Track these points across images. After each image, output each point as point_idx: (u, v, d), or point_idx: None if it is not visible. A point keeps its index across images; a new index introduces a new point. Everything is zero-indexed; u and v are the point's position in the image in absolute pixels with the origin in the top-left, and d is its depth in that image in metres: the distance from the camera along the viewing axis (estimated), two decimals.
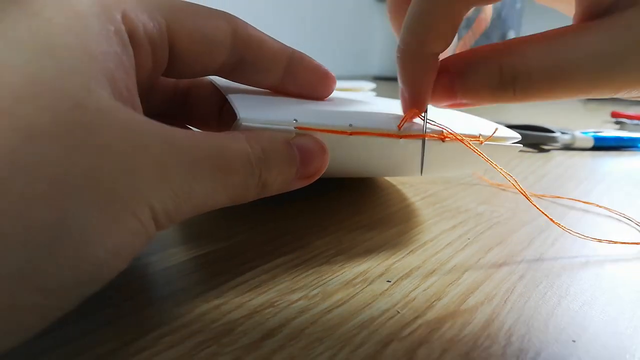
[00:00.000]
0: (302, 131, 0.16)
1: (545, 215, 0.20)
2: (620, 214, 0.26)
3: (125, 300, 0.15)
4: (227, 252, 0.20)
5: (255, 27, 0.17)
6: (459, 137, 0.19)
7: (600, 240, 0.21)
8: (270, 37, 0.17)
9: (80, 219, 0.10)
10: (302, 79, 0.18)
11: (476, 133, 0.20)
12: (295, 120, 0.16)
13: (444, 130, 0.19)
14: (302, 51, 0.18)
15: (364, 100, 0.22)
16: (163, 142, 0.12)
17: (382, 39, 1.82)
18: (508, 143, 0.22)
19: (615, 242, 0.21)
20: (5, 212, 0.09)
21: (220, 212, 0.24)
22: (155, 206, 0.12)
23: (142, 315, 0.15)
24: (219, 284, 0.17)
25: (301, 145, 0.16)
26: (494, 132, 0.21)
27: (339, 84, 0.62)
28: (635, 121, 0.64)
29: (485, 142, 0.20)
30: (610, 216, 0.26)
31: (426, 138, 0.18)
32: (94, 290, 0.11)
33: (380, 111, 0.20)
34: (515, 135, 0.23)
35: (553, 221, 0.20)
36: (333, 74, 0.19)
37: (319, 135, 0.16)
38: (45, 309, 0.10)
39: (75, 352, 0.13)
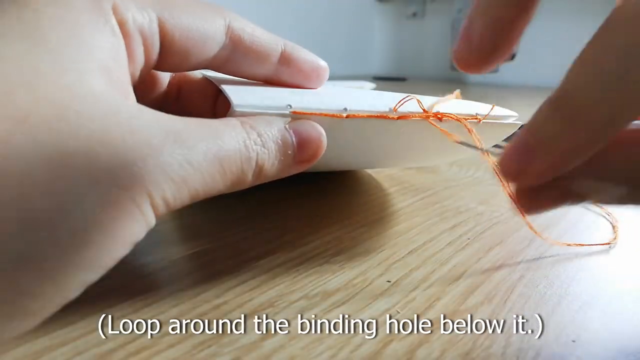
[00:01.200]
0: (297, 116, 0.16)
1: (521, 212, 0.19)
2: (609, 214, 0.26)
3: (124, 300, 0.15)
4: (226, 251, 0.20)
5: (247, 20, 0.17)
6: (456, 117, 0.19)
7: (569, 244, 0.21)
8: (262, 29, 0.17)
9: (79, 205, 0.10)
10: (295, 70, 0.18)
11: (473, 112, 0.20)
12: (289, 105, 0.16)
13: (440, 111, 0.18)
14: None
15: (357, 89, 0.22)
16: (159, 129, 0.12)
17: (382, 39, 1.82)
18: (507, 121, 0.22)
19: (583, 245, 0.21)
20: (5, 199, 0.09)
21: (219, 211, 0.24)
22: (153, 193, 0.12)
23: (141, 315, 0.15)
24: (219, 283, 0.17)
25: (297, 128, 0.16)
26: (491, 110, 0.21)
27: (339, 83, 0.62)
28: (637, 122, 0.64)
29: (484, 121, 0.20)
30: (604, 216, 0.26)
31: (425, 119, 0.18)
32: (95, 277, 0.11)
33: (374, 97, 0.19)
34: (513, 114, 0.22)
35: (530, 227, 0.20)
36: (325, 63, 0.19)
37: (315, 119, 0.16)
38: (47, 296, 0.10)
39: (75, 352, 0.13)
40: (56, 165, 0.10)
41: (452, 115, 0.19)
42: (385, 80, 1.36)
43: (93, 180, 0.10)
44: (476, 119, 0.20)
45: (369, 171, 0.33)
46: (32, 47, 0.11)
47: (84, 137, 0.10)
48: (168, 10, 0.15)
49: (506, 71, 1.40)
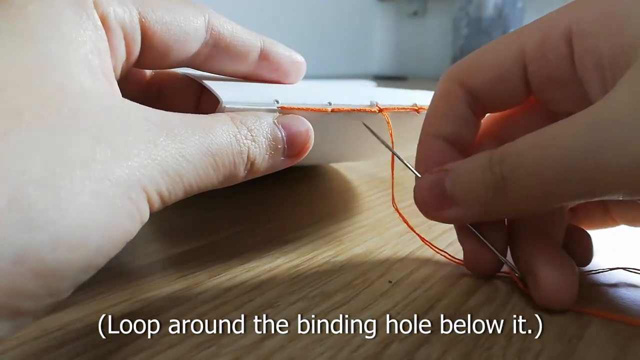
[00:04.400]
0: (284, 111, 0.16)
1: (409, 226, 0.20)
2: None
3: (123, 301, 0.15)
4: (226, 252, 0.19)
5: (227, 18, 0.17)
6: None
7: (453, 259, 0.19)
8: (241, 26, 0.18)
9: (75, 203, 0.10)
10: (274, 65, 0.19)
11: None
12: (276, 101, 0.16)
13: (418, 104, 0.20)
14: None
15: (335, 84, 0.23)
16: (152, 124, 0.12)
17: (382, 38, 1.82)
18: None
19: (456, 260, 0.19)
20: (3, 197, 0.09)
21: (217, 211, 0.24)
22: (149, 188, 0.12)
23: (140, 315, 0.15)
24: (218, 284, 0.17)
25: (286, 123, 0.16)
26: None
27: (339, 82, 0.62)
28: None
29: None
30: None
31: (406, 111, 0.19)
32: (86, 278, 0.11)
33: (355, 91, 0.21)
34: None
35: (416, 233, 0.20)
36: (302, 57, 0.19)
37: (301, 114, 0.16)
38: (40, 295, 0.10)
39: (74, 353, 0.13)
40: (53, 164, 0.10)
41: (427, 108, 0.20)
42: (386, 80, 1.36)
43: (89, 179, 0.10)
44: None
45: (369, 171, 0.33)
46: (20, 44, 0.11)
47: (79, 134, 0.10)
48: (149, 6, 0.15)
49: None
